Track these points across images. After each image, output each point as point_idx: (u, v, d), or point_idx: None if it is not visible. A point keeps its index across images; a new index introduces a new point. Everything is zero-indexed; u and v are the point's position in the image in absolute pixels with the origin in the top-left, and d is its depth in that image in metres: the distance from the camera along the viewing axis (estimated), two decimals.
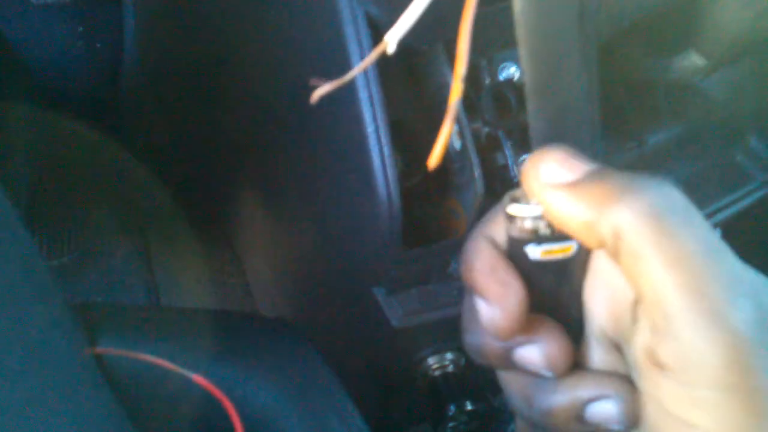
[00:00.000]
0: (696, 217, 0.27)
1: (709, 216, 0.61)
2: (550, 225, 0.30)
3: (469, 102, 0.58)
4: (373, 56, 0.31)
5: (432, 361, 0.60)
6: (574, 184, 0.28)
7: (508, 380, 0.34)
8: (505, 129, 0.58)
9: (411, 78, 0.60)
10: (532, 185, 0.30)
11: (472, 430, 0.61)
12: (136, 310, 0.55)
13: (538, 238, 0.31)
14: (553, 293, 0.33)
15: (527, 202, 0.31)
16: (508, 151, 0.58)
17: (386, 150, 0.51)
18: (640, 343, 0.30)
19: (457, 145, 0.57)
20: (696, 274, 0.26)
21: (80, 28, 0.95)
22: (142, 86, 0.92)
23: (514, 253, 0.32)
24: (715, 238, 0.27)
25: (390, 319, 0.55)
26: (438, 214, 0.60)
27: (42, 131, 0.83)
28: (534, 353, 0.32)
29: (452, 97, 0.31)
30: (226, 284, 0.88)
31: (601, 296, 0.32)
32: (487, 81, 0.59)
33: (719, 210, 0.62)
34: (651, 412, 0.29)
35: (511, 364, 0.33)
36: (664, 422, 0.28)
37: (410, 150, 0.59)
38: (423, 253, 0.57)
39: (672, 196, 0.27)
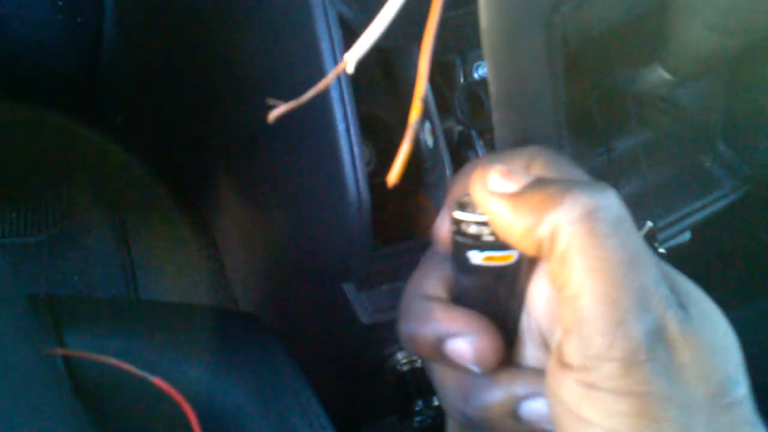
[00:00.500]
0: (627, 225, 0.28)
1: (677, 221, 0.62)
2: (493, 233, 0.31)
3: (442, 100, 0.58)
4: (332, 75, 0.31)
5: (400, 356, 0.60)
6: (516, 193, 0.30)
7: (445, 376, 0.35)
8: (478, 128, 0.58)
9: (385, 74, 0.60)
10: (477, 194, 0.31)
11: (438, 424, 0.61)
12: (103, 304, 0.55)
13: (481, 245, 0.32)
14: (491, 295, 0.33)
15: (473, 210, 0.32)
16: (481, 150, 0.59)
17: (356, 149, 0.51)
18: (553, 341, 0.31)
19: (430, 143, 0.57)
20: (612, 283, 0.27)
21: (60, 2, 0.93)
22: (122, 63, 0.91)
23: (456, 257, 0.33)
24: (641, 248, 0.28)
25: (359, 315, 0.55)
26: (409, 211, 0.60)
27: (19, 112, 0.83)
28: (464, 346, 0.33)
29: (411, 117, 0.32)
30: (202, 267, 0.88)
31: (543, 296, 0.33)
32: (461, 80, 0.59)
33: (688, 215, 0.63)
34: (553, 408, 0.30)
35: (442, 357, 0.33)
36: (567, 420, 0.29)
37: (383, 145, 0.60)
38: (393, 251, 0.57)
39: (608, 203, 0.28)
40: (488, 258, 0.32)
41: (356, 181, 0.51)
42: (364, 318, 0.55)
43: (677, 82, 0.47)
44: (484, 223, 0.31)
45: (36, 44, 0.94)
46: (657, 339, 0.27)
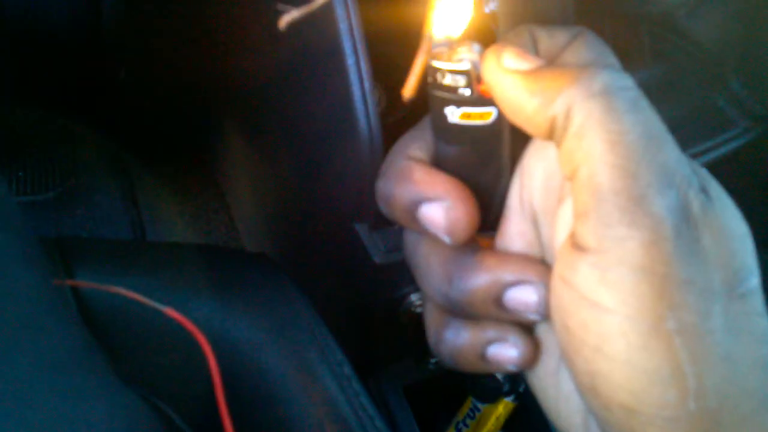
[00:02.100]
0: (644, 103, 0.28)
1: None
2: (469, 85, 0.30)
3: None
4: None
5: (414, 297, 0.60)
6: (531, 71, 0.29)
7: (429, 256, 0.34)
8: None
9: (395, 13, 0.58)
10: (488, 71, 0.30)
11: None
12: (113, 243, 0.55)
13: (457, 99, 0.31)
14: (471, 161, 0.33)
15: (450, 58, 0.31)
16: None
17: (367, 84, 0.50)
18: (561, 227, 0.30)
19: None
20: (632, 158, 0.26)
21: None
22: (125, 20, 0.90)
23: (435, 117, 0.32)
24: (660, 126, 0.28)
25: (372, 255, 0.55)
26: None
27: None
28: (438, 212, 0.32)
29: (426, 29, 0.31)
30: (210, 220, 0.88)
31: (540, 167, 0.32)
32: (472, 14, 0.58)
33: (700, 154, 0.62)
34: (563, 296, 0.29)
35: (415, 222, 0.33)
36: (575, 306, 0.28)
37: (394, 87, 0.58)
38: None
39: (623, 82, 0.27)
40: (465, 115, 0.31)
41: (367, 116, 0.50)
42: (378, 257, 0.54)
43: (695, 2, 0.45)
44: (460, 72, 0.30)
45: (35, 6, 0.93)
46: (682, 217, 0.26)
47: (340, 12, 0.47)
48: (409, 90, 0.31)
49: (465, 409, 0.71)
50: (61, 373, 0.31)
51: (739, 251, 0.28)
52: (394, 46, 0.60)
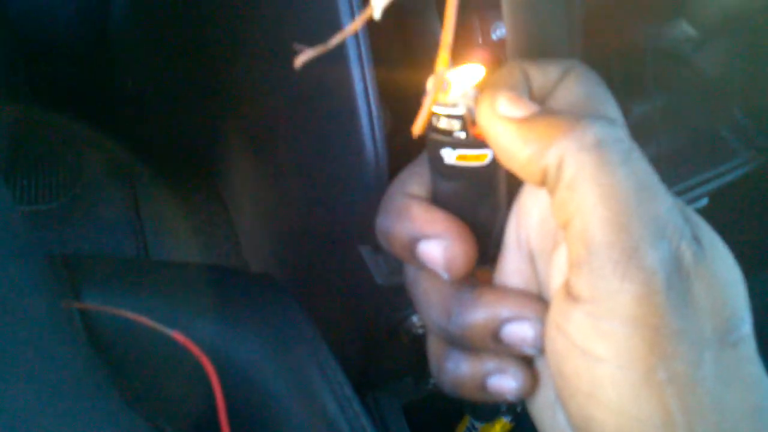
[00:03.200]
0: (636, 155, 0.28)
1: (690, 188, 0.61)
2: (465, 128, 0.31)
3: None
4: (359, 21, 0.31)
5: (415, 319, 0.60)
6: (525, 119, 0.29)
7: (429, 291, 0.35)
8: None
9: (402, 35, 0.59)
10: (483, 117, 0.30)
11: None
12: (119, 263, 0.55)
13: (453, 142, 0.31)
14: (468, 200, 0.33)
15: (446, 104, 0.31)
16: None
17: (374, 109, 0.51)
18: (556, 270, 0.31)
19: None
20: (624, 211, 0.27)
21: None
22: (131, 30, 0.91)
23: (431, 158, 0.33)
24: (654, 177, 0.28)
25: (375, 276, 0.55)
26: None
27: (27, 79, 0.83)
28: (436, 250, 0.33)
29: (437, 67, 0.31)
30: (213, 235, 0.88)
31: (536, 209, 0.33)
32: (480, 41, 0.59)
33: (702, 183, 0.62)
34: (557, 342, 0.29)
35: (414, 258, 0.33)
36: (569, 353, 0.28)
37: (399, 107, 0.59)
38: None
39: (616, 134, 0.28)
40: (461, 157, 0.32)
41: (374, 141, 0.51)
42: (381, 279, 0.54)
43: (701, 38, 0.46)
44: (455, 117, 0.31)
45: (42, 14, 0.94)
46: (674, 269, 0.27)
47: (350, 41, 0.48)
48: (418, 128, 0.31)
49: (462, 427, 0.71)
50: (68, 398, 0.32)
51: (731, 299, 0.28)
52: (401, 67, 0.60)
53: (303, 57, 0.29)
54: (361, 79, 0.50)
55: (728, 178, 0.63)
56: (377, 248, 0.56)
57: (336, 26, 0.49)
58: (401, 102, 0.59)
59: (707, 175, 0.63)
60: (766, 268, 0.72)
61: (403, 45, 0.59)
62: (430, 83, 0.31)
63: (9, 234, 0.34)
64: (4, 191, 0.36)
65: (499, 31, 0.59)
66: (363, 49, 0.49)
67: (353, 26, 0.31)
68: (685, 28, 0.46)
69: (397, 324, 0.61)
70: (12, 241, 0.34)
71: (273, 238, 0.75)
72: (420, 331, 0.60)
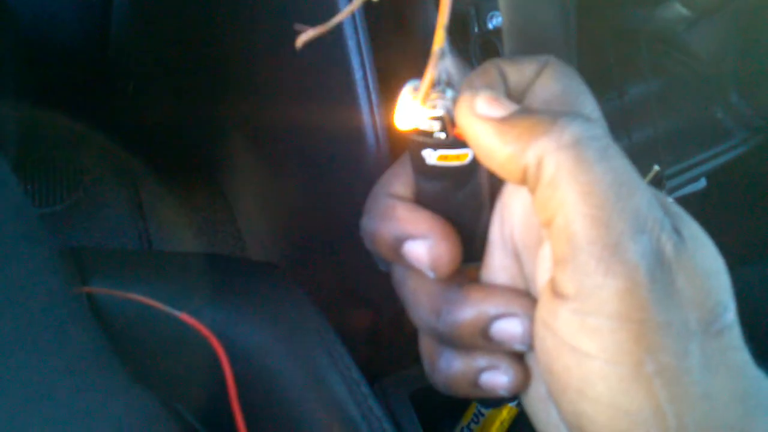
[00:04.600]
0: (614, 152, 0.28)
1: (686, 169, 0.62)
2: (444, 129, 0.31)
3: (456, 52, 0.58)
4: (358, 3, 0.32)
5: None
6: (503, 118, 0.30)
7: (417, 290, 0.35)
8: None
9: (399, 26, 0.60)
10: (461, 117, 0.31)
11: None
12: (126, 253, 0.56)
13: (433, 143, 0.32)
14: (451, 199, 0.34)
15: (426, 104, 0.32)
16: None
17: (374, 97, 0.51)
18: (542, 267, 0.31)
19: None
20: (604, 207, 0.27)
21: None
22: (132, 30, 0.92)
23: (413, 159, 0.33)
24: (631, 172, 0.28)
25: (379, 264, 0.56)
26: None
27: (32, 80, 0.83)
28: (421, 250, 0.33)
29: (435, 45, 0.32)
30: (217, 231, 0.89)
31: (519, 205, 0.33)
32: (476, 30, 0.59)
33: (697, 164, 0.63)
34: (545, 340, 0.30)
35: (399, 258, 0.34)
36: (558, 350, 0.29)
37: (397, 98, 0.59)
38: None
39: (593, 132, 0.28)
40: (442, 157, 0.32)
41: (374, 129, 0.52)
42: (383, 267, 0.55)
43: (694, 17, 0.46)
44: (435, 118, 0.31)
45: (46, 15, 0.94)
46: (655, 262, 0.27)
47: (348, 30, 0.48)
48: (421, 98, 0.32)
49: (469, 414, 0.71)
50: (82, 373, 0.32)
51: (714, 288, 0.28)
52: (396, 59, 0.61)
53: (304, 36, 0.29)
54: (361, 67, 0.51)
55: (724, 158, 0.64)
56: None
57: (335, 13, 0.50)
58: (401, 89, 0.59)
59: (703, 156, 0.63)
60: (765, 250, 0.72)
61: (399, 35, 0.59)
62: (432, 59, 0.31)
63: (23, 219, 0.35)
64: (14, 181, 0.37)
65: (496, 20, 0.59)
66: (362, 37, 0.50)
67: (351, 7, 0.31)
68: (679, 9, 0.46)
69: (401, 312, 0.61)
70: (25, 226, 0.35)
71: (276, 229, 0.75)
72: None
